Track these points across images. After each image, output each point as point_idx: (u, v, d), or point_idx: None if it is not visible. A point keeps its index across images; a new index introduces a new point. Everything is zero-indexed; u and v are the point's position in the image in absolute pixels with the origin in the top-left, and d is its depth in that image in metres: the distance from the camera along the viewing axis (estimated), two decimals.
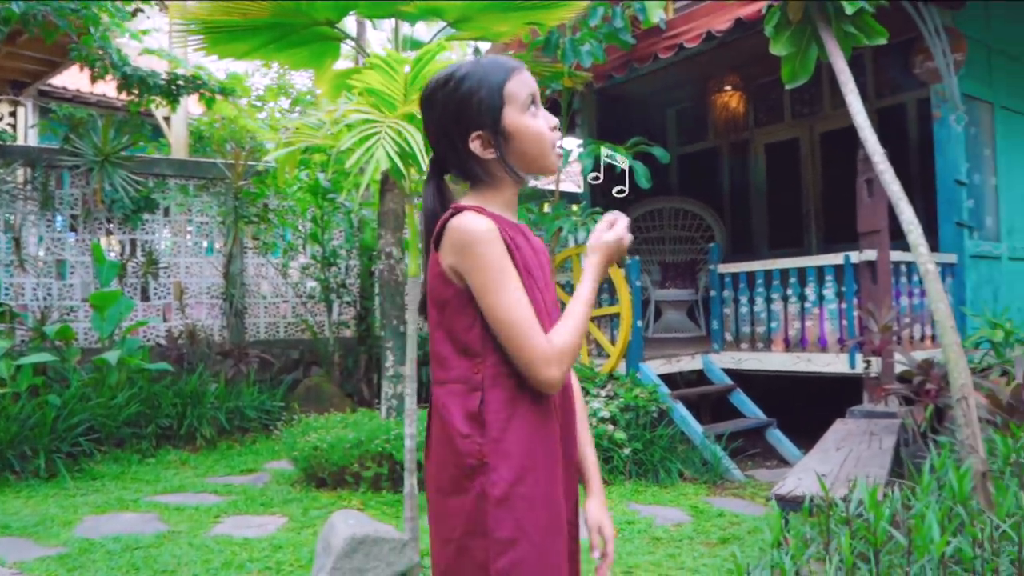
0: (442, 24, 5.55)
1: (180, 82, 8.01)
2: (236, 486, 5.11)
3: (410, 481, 3.48)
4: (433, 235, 1.38)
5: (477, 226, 1.31)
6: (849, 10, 3.50)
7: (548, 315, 1.42)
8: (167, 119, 10.39)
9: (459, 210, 1.36)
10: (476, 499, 1.29)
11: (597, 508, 1.52)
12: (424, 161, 2.78)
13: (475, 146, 1.40)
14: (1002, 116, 6.58)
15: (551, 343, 1.32)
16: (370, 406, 7.38)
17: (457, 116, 1.40)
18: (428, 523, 1.41)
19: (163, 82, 7.88)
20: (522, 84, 1.42)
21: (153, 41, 9.69)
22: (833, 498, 2.33)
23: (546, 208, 6.56)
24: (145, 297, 7.50)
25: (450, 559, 1.33)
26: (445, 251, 1.33)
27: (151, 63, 9.13)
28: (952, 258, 5.87)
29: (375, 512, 4.47)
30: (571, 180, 13.23)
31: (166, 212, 7.67)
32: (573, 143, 7.51)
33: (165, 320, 7.55)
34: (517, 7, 5.26)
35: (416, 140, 2.77)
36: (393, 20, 5.67)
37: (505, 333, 1.30)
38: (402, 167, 2.80)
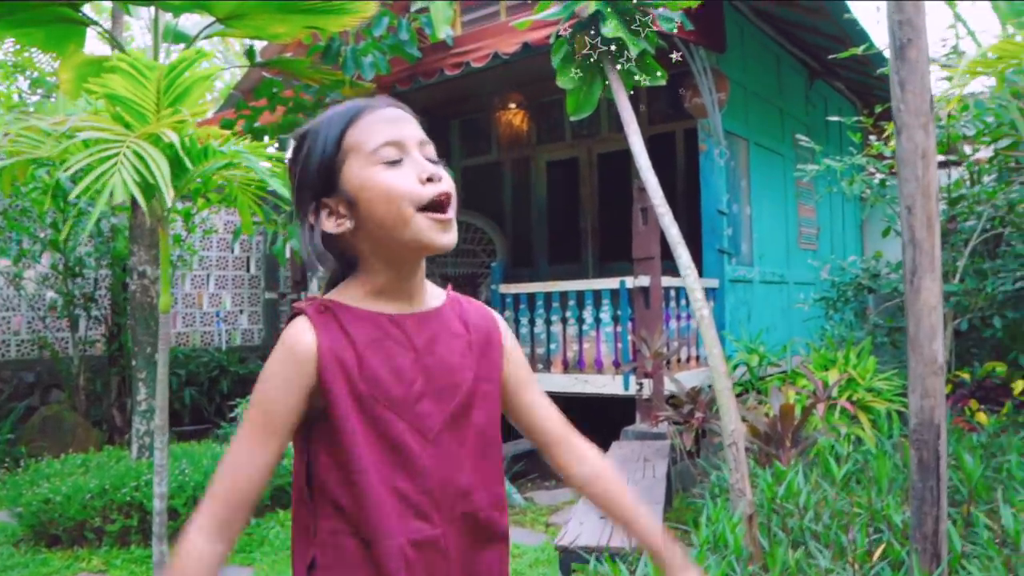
0: (211, 19, 5.03)
1: None
2: None
3: (159, 548, 3.04)
4: None
5: (283, 340, 1.07)
6: (633, 51, 3.55)
7: (423, 439, 1.08)
8: None
9: (296, 312, 1.09)
10: None
11: None
12: (169, 193, 2.38)
13: (321, 220, 1.08)
14: (755, 151, 7.17)
15: (207, 511, 1.04)
16: (123, 435, 6.59)
17: (300, 185, 1.10)
18: None
19: None
20: (370, 129, 1.07)
21: None
22: (616, 561, 2.28)
23: None
24: None
25: None
26: None
27: None
28: (715, 283, 6.28)
29: (120, 573, 3.91)
30: None
31: None
32: None
33: None
34: (296, 9, 4.87)
35: (161, 168, 2.36)
36: (152, 9, 5.06)
37: None
38: (141, 199, 2.38)
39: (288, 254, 6.30)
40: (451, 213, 1.08)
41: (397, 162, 1.06)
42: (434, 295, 1.18)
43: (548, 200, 9.24)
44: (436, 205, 1.06)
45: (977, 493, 2.80)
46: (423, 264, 1.13)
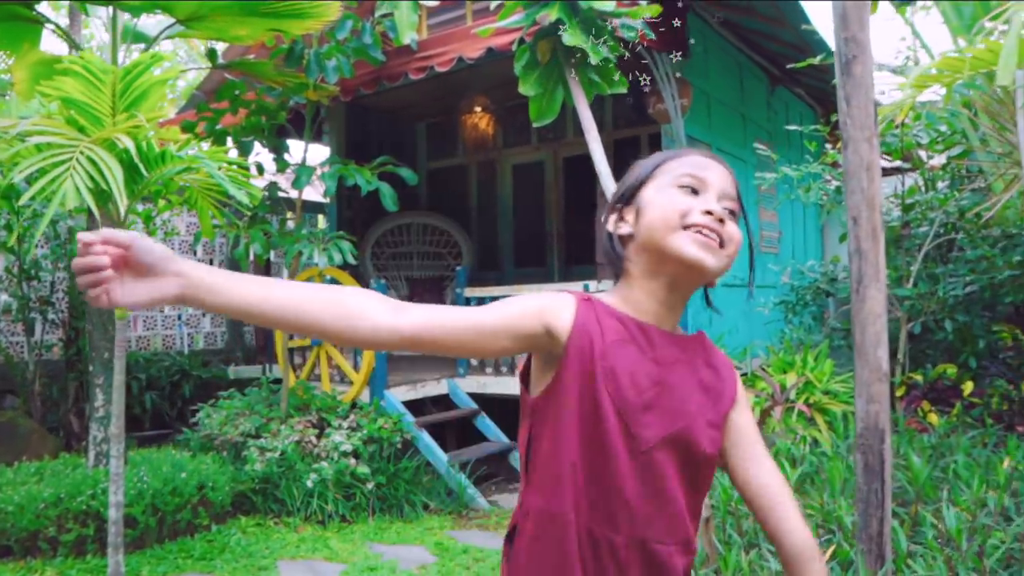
0: (171, 20, 4.97)
1: None
2: None
3: (115, 558, 3.00)
4: None
5: (551, 300, 1.13)
6: (594, 59, 3.58)
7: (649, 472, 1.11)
8: None
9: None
10: None
11: None
12: (123, 200, 2.36)
13: (610, 222, 1.19)
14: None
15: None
16: (81, 442, 6.47)
17: (614, 196, 1.23)
18: None
19: None
20: (683, 162, 1.16)
21: None
22: None
23: (289, 224, 6.14)
24: None
25: None
26: None
27: None
28: None
29: None
30: (317, 188, 12.72)
31: None
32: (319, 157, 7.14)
33: None
34: (259, 11, 4.83)
35: (115, 174, 2.33)
36: (111, 8, 4.98)
37: None
38: (94, 206, 2.35)
39: (251, 258, 6.24)
40: (715, 242, 1.11)
41: (692, 191, 1.14)
42: (683, 333, 1.23)
43: (514, 203, 9.27)
44: (702, 229, 1.11)
45: (925, 493, 2.88)
46: (680, 298, 1.17)
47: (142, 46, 5.41)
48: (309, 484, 4.89)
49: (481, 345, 1.09)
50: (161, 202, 5.57)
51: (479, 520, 5.01)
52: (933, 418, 4.50)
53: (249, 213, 5.42)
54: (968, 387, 4.64)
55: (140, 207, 6.93)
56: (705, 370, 1.18)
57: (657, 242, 1.11)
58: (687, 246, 1.09)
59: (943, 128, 5.99)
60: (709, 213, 1.10)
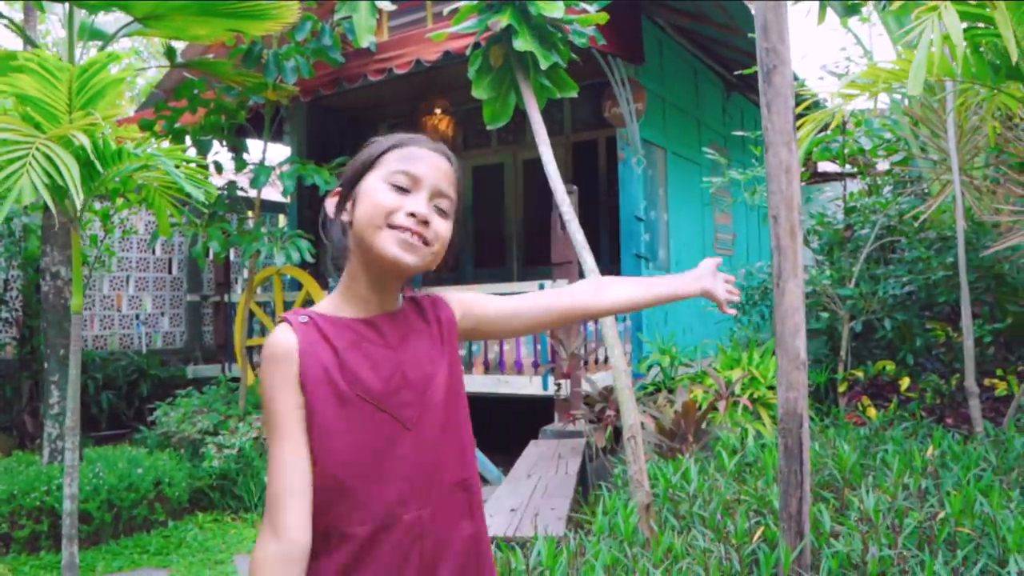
0: (129, 18, 4.99)
1: None
2: None
3: (70, 550, 3.04)
4: None
5: (266, 348, 1.16)
6: (543, 64, 3.70)
7: (382, 437, 1.15)
8: None
9: (280, 321, 1.20)
10: None
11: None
12: (79, 196, 2.42)
13: (331, 206, 1.24)
14: (673, 160, 7.45)
15: (275, 532, 1.09)
16: (35, 441, 6.42)
17: (342, 181, 1.25)
18: None
19: None
20: (402, 155, 1.20)
21: None
22: (514, 547, 2.42)
23: (249, 223, 6.16)
24: None
25: None
26: None
27: None
28: None
29: None
30: (276, 188, 12.68)
31: None
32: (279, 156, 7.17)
33: None
34: (218, 12, 4.87)
35: (71, 171, 2.39)
36: (67, 5, 4.98)
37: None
38: (51, 202, 2.40)
39: (209, 256, 6.26)
40: (417, 242, 1.16)
41: (402, 190, 1.18)
42: (398, 299, 1.29)
43: (474, 205, 9.37)
44: (404, 229, 1.16)
45: (853, 479, 3.04)
46: (394, 286, 1.23)
47: (100, 43, 5.42)
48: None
49: None
50: (119, 200, 5.58)
51: None
52: (872, 412, 4.69)
53: (207, 212, 5.45)
54: (905, 382, 4.85)
55: (98, 205, 6.89)
56: (426, 325, 1.27)
57: (365, 238, 1.17)
58: (388, 246, 1.15)
59: (887, 135, 6.24)
60: (413, 215, 1.16)
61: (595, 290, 1.43)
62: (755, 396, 4.73)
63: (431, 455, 1.18)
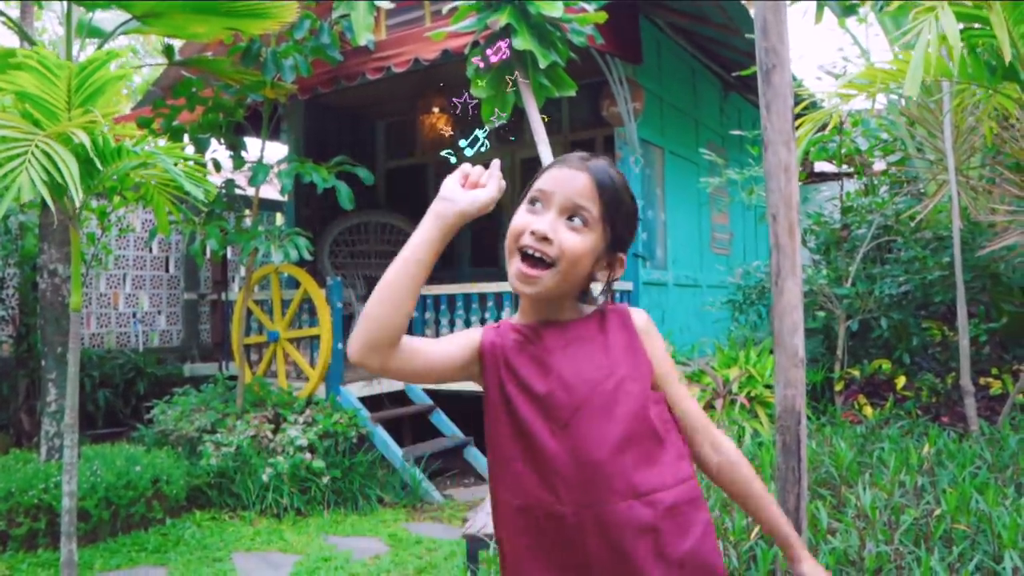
0: (127, 16, 4.98)
1: None
2: None
3: (68, 547, 3.04)
4: None
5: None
6: (542, 63, 3.71)
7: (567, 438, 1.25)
8: None
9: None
10: None
11: (813, 569, 1.37)
12: (79, 193, 2.42)
13: None
14: (670, 160, 7.46)
15: None
16: (32, 439, 6.41)
17: None
18: None
19: None
20: (544, 175, 1.30)
21: None
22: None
23: (246, 221, 6.16)
24: None
25: None
26: None
27: None
28: (629, 285, 6.52)
29: None
30: (274, 186, 12.67)
31: None
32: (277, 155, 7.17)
33: None
34: (216, 10, 4.87)
35: (70, 168, 2.40)
36: (65, 3, 4.98)
37: None
38: (49, 199, 2.41)
39: (207, 255, 6.26)
40: (538, 273, 1.24)
41: (535, 207, 1.27)
42: (583, 311, 1.37)
43: None
44: (526, 256, 1.25)
45: (850, 477, 3.05)
46: (547, 300, 1.31)
47: (97, 41, 5.41)
48: (264, 478, 4.94)
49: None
50: (116, 198, 5.57)
51: (433, 513, 5.10)
52: (868, 411, 4.71)
53: (206, 210, 5.45)
54: (901, 381, 4.87)
55: (95, 203, 6.89)
56: (601, 336, 1.32)
57: (507, 263, 1.29)
58: (512, 280, 1.27)
59: (884, 136, 6.26)
60: (533, 234, 1.24)
61: (722, 466, 1.38)
62: (752, 394, 4.74)
63: (588, 457, 1.23)
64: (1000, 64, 2.81)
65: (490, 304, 6.12)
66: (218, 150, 5.81)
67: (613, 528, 1.20)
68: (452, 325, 6.31)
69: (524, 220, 1.26)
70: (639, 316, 1.38)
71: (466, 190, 1.25)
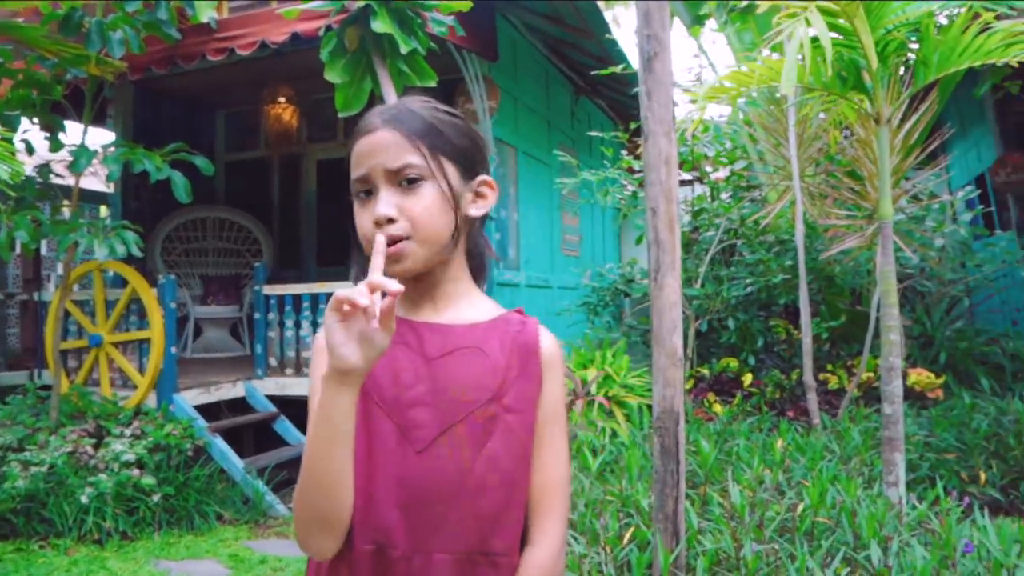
0: None
1: None
2: None
3: None
4: None
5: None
6: (403, 49, 3.52)
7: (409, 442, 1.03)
8: None
9: None
10: None
11: None
12: None
13: None
14: (524, 160, 7.45)
15: None
16: None
17: None
18: None
19: None
20: (354, 161, 1.10)
21: None
22: None
23: (65, 212, 5.52)
24: None
25: None
26: None
27: None
28: (483, 286, 6.43)
29: None
30: (98, 176, 11.61)
31: None
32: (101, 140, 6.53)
33: None
34: None
35: None
36: None
37: None
38: None
39: (17, 249, 5.56)
40: (398, 247, 1.04)
41: (366, 196, 1.08)
42: (480, 311, 1.12)
43: (318, 200, 8.97)
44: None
45: (713, 475, 3.08)
46: (435, 279, 1.11)
47: None
48: (84, 500, 4.41)
49: None
50: None
51: (278, 528, 4.76)
52: (718, 408, 4.86)
53: (14, 196, 4.82)
54: (748, 379, 5.07)
55: None
56: (498, 355, 1.08)
57: None
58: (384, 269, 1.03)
59: (728, 144, 6.54)
60: (378, 223, 1.05)
61: (529, 566, 1.06)
62: (610, 394, 4.77)
63: (445, 492, 1.01)
64: (851, 73, 2.92)
65: None
66: (31, 130, 5.16)
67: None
68: (298, 327, 5.96)
69: (364, 220, 1.07)
70: (548, 344, 1.12)
71: (352, 334, 0.92)
